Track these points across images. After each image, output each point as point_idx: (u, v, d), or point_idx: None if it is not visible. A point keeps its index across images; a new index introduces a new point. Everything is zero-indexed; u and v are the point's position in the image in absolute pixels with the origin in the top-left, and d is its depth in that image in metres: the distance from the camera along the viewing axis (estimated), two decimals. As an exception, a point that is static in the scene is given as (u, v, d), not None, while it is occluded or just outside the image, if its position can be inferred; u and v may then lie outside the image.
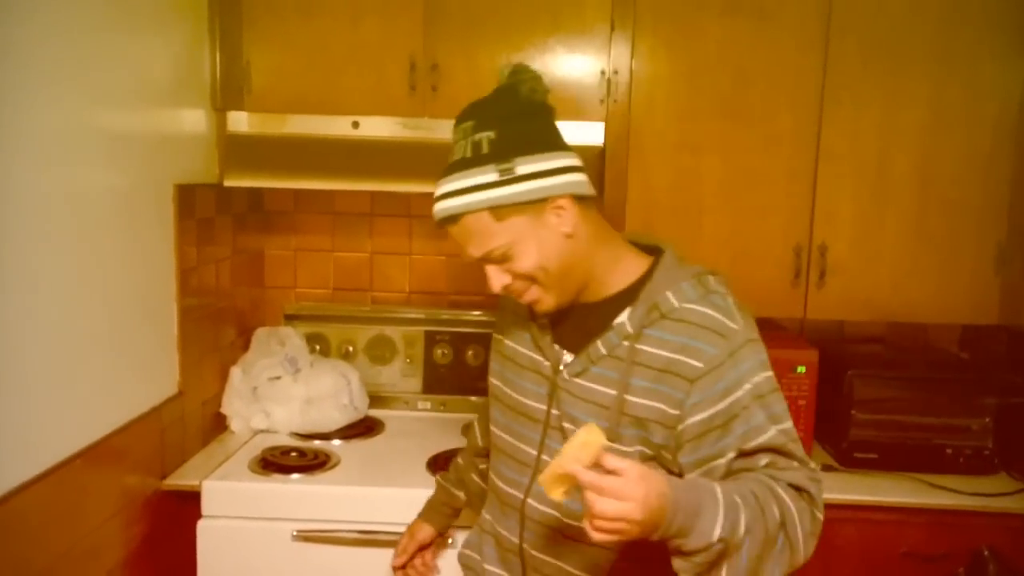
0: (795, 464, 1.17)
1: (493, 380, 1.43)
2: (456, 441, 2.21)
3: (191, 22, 2.07)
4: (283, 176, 2.20)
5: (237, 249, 2.38)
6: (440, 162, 2.13)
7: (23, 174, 1.42)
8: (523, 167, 1.18)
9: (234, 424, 2.23)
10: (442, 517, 1.72)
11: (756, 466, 1.16)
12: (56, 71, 1.51)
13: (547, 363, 1.30)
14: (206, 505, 1.90)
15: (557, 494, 1.09)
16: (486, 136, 1.18)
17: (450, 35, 2.18)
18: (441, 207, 1.21)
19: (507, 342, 1.39)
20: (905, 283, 2.20)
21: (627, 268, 1.27)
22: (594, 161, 2.18)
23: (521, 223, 1.19)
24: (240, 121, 2.20)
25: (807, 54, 2.16)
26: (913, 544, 1.96)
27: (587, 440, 1.07)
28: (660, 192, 2.22)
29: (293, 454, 2.08)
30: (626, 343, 1.21)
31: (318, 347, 2.48)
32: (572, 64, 2.19)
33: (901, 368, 2.17)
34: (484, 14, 2.18)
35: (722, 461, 1.16)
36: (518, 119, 1.21)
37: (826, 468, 2.12)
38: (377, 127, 2.19)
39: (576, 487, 1.06)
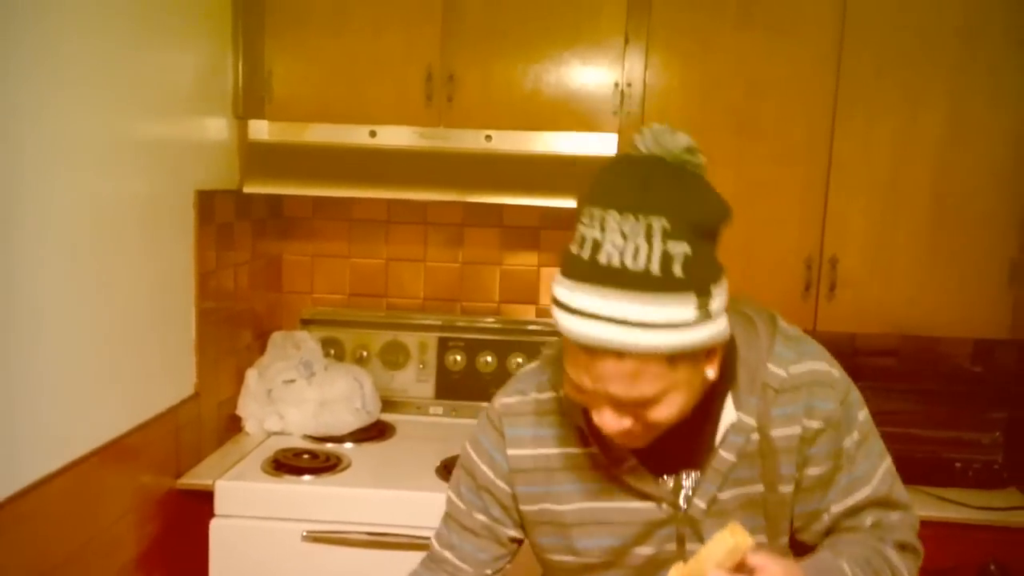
0: (896, 516, 1.11)
1: (559, 557, 1.12)
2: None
3: (215, 32, 2.13)
4: (302, 183, 2.25)
5: (256, 254, 2.43)
6: (457, 171, 2.20)
7: (52, 179, 1.47)
8: (715, 302, 0.91)
9: (248, 426, 2.27)
10: None
11: (863, 526, 1.10)
12: (84, 80, 1.57)
13: (663, 504, 1.06)
14: (219, 504, 1.94)
15: None
16: (682, 251, 0.87)
17: (467, 46, 2.22)
18: (610, 336, 0.87)
19: (570, 507, 1.10)
20: (917, 296, 2.20)
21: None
22: (607, 172, 2.20)
23: (685, 372, 0.93)
24: (261, 129, 2.25)
25: (821, 67, 2.18)
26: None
27: (736, 545, 0.91)
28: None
29: (305, 456, 2.11)
30: (755, 436, 1.04)
31: (333, 351, 2.52)
32: (586, 76, 2.22)
33: (912, 381, 2.17)
34: (501, 26, 2.22)
35: (825, 517, 1.10)
36: (709, 230, 0.92)
37: (835, 480, 2.12)
38: (394, 136, 2.23)
39: None
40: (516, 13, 2.22)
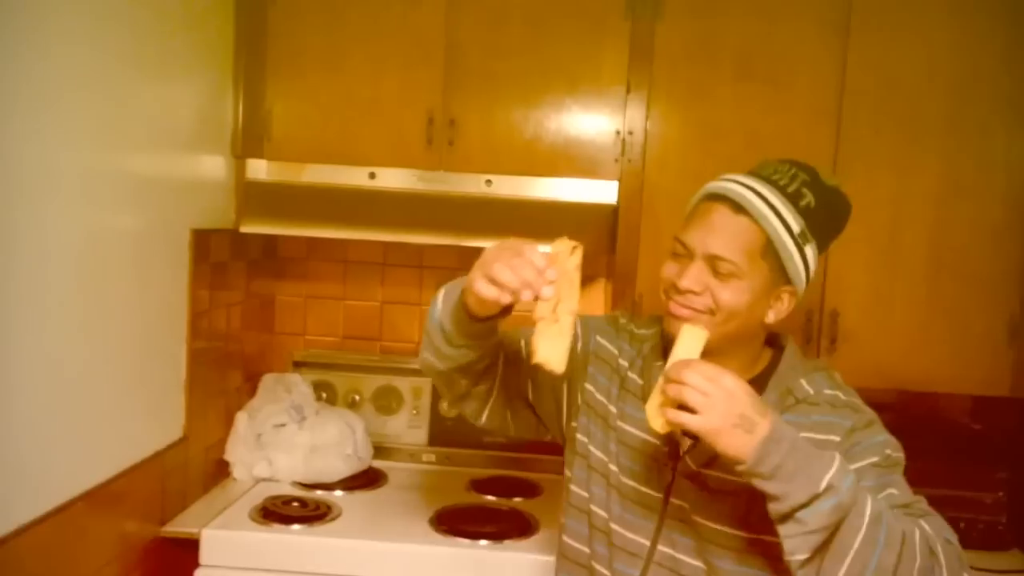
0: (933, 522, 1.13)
1: (593, 448, 1.30)
2: (460, 497, 2.18)
3: (216, 70, 2.12)
4: (298, 224, 2.22)
5: (249, 294, 2.39)
6: (456, 215, 2.18)
7: (41, 213, 1.44)
8: (808, 251, 1.20)
9: (237, 471, 2.21)
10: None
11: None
12: (82, 114, 1.55)
13: (665, 448, 1.24)
14: (205, 554, 1.88)
15: (656, 419, 1.06)
16: (810, 196, 1.19)
17: (469, 92, 2.22)
18: (745, 195, 1.17)
19: (616, 412, 1.29)
20: (916, 352, 2.18)
21: (755, 360, 1.27)
22: (607, 218, 2.20)
23: (762, 277, 1.18)
24: (259, 169, 2.23)
25: (819, 122, 2.19)
26: (924, 620, 1.91)
27: (694, 335, 1.11)
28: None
29: (295, 504, 2.05)
30: None
31: (325, 395, 2.47)
32: (588, 123, 2.22)
33: (912, 437, 2.13)
34: (503, 72, 2.22)
35: None
36: (831, 211, 1.24)
37: (835, 537, 2.08)
38: (393, 179, 2.21)
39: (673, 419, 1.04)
40: (518, 59, 2.22)
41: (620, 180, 2.22)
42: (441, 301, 1.21)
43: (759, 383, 1.22)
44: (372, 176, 2.21)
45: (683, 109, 2.23)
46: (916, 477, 2.05)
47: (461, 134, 2.23)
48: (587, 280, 2.54)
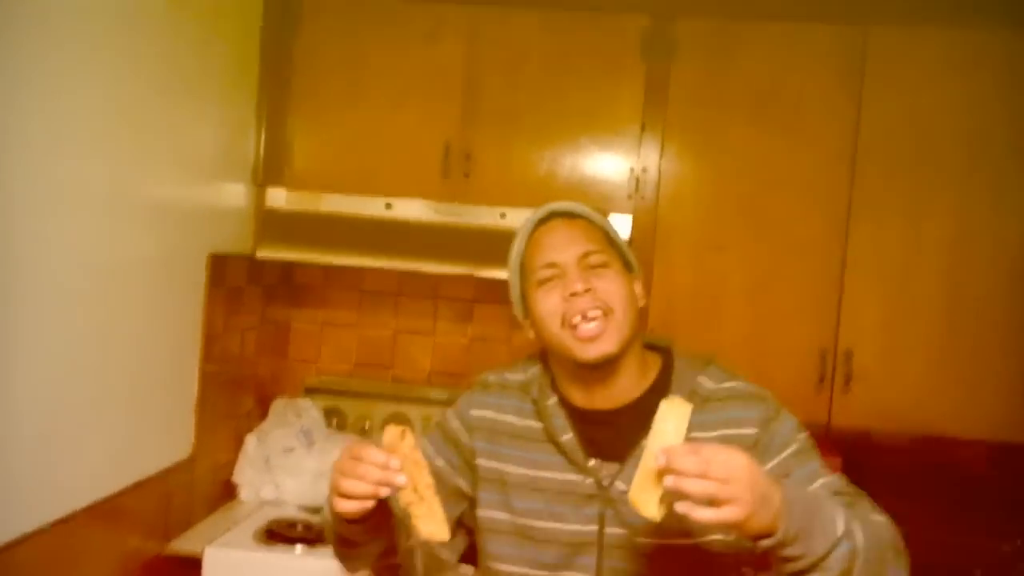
0: (866, 503, 1.12)
1: (494, 514, 1.25)
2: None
3: (241, 100, 2.18)
4: (315, 251, 2.26)
5: (265, 320, 2.42)
6: (470, 246, 2.21)
7: (67, 237, 1.49)
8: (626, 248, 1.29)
9: (244, 493, 2.22)
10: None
11: None
12: (111, 138, 1.60)
13: (588, 480, 1.20)
14: (207, 572, 1.88)
15: (652, 506, 0.96)
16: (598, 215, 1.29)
17: (486, 127, 2.27)
18: (569, 204, 1.26)
19: (513, 469, 1.25)
20: (931, 394, 2.15)
21: (645, 366, 1.25)
22: (619, 253, 2.21)
23: (618, 263, 1.23)
24: (278, 197, 2.28)
25: (834, 166, 2.20)
26: (938, 672, 1.86)
27: (679, 412, 0.98)
28: (683, 287, 2.23)
29: (299, 527, 2.05)
30: None
31: (335, 421, 2.48)
32: (602, 160, 2.25)
33: (928, 482, 2.11)
34: (520, 109, 2.27)
35: None
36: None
37: (845, 583, 2.03)
38: (409, 209, 2.25)
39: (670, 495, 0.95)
40: (536, 97, 2.27)
41: (633, 216, 2.23)
42: (328, 523, 1.18)
43: (660, 389, 1.20)
44: (388, 206, 2.25)
45: (697, 149, 2.26)
46: (932, 523, 2.03)
47: (477, 167, 2.27)
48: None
